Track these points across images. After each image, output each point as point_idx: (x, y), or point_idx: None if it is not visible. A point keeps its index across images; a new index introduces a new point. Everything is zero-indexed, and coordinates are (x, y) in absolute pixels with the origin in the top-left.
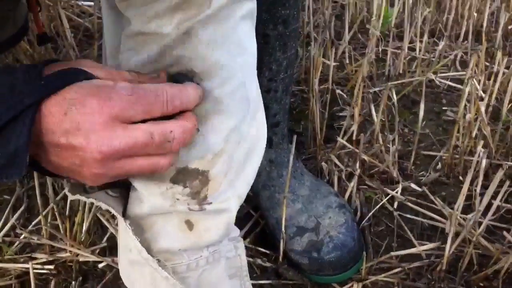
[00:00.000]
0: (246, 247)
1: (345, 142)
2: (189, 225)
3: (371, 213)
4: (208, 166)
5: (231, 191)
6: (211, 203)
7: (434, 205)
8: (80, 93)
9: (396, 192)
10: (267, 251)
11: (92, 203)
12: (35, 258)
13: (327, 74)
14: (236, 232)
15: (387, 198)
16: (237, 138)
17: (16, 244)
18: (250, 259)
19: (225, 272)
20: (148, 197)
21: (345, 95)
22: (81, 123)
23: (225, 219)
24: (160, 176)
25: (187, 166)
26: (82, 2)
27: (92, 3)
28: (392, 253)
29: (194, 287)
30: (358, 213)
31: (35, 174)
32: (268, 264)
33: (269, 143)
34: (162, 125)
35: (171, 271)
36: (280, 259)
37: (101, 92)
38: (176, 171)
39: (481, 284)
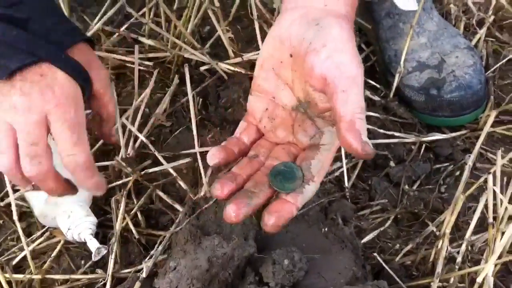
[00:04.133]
0: None
1: None
2: None
3: (498, 65)
4: None
5: None
6: None
7: None
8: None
9: None
10: (377, 85)
11: None
12: (132, 53)
13: None
14: None
15: None
16: None
17: (115, 35)
18: None
19: None
20: None
21: None
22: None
23: None
24: None
25: None
26: None
27: None
28: None
29: None
30: (483, 63)
31: None
32: (377, 98)
33: None
34: None
35: None
36: (391, 94)
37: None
38: None
39: None
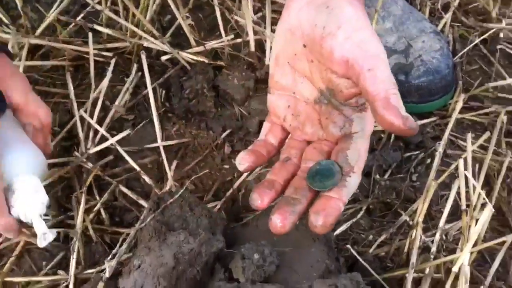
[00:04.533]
0: None
1: None
2: None
3: (465, 50)
4: None
5: None
6: None
7: None
8: None
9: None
10: None
11: None
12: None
13: None
14: None
15: (483, 37)
16: None
17: (71, 25)
18: None
19: None
20: None
21: None
22: None
23: None
24: None
25: None
26: None
27: None
28: (490, 84)
29: None
30: (450, 48)
31: None
32: None
33: None
34: None
35: None
36: None
37: None
38: None
39: None
